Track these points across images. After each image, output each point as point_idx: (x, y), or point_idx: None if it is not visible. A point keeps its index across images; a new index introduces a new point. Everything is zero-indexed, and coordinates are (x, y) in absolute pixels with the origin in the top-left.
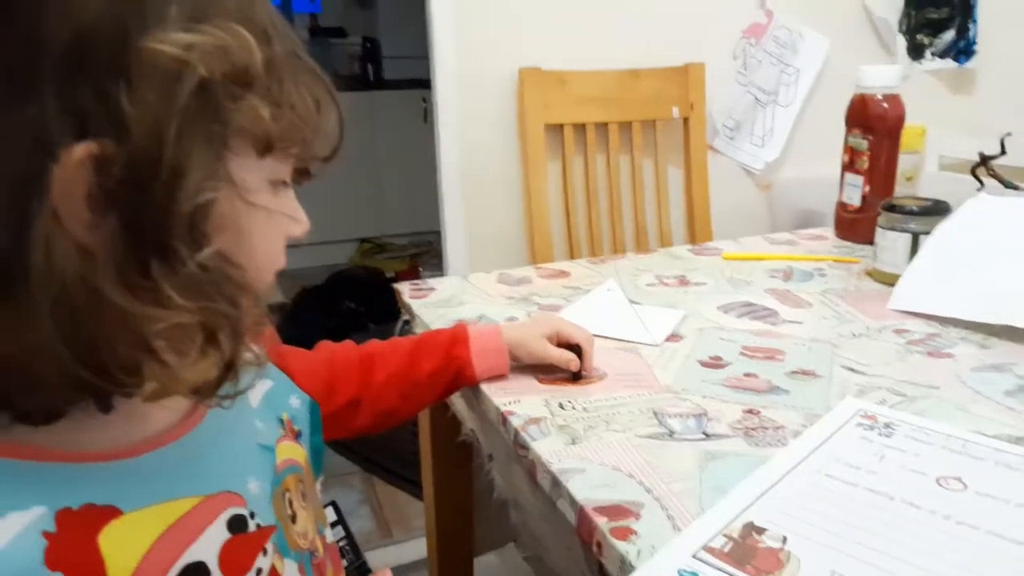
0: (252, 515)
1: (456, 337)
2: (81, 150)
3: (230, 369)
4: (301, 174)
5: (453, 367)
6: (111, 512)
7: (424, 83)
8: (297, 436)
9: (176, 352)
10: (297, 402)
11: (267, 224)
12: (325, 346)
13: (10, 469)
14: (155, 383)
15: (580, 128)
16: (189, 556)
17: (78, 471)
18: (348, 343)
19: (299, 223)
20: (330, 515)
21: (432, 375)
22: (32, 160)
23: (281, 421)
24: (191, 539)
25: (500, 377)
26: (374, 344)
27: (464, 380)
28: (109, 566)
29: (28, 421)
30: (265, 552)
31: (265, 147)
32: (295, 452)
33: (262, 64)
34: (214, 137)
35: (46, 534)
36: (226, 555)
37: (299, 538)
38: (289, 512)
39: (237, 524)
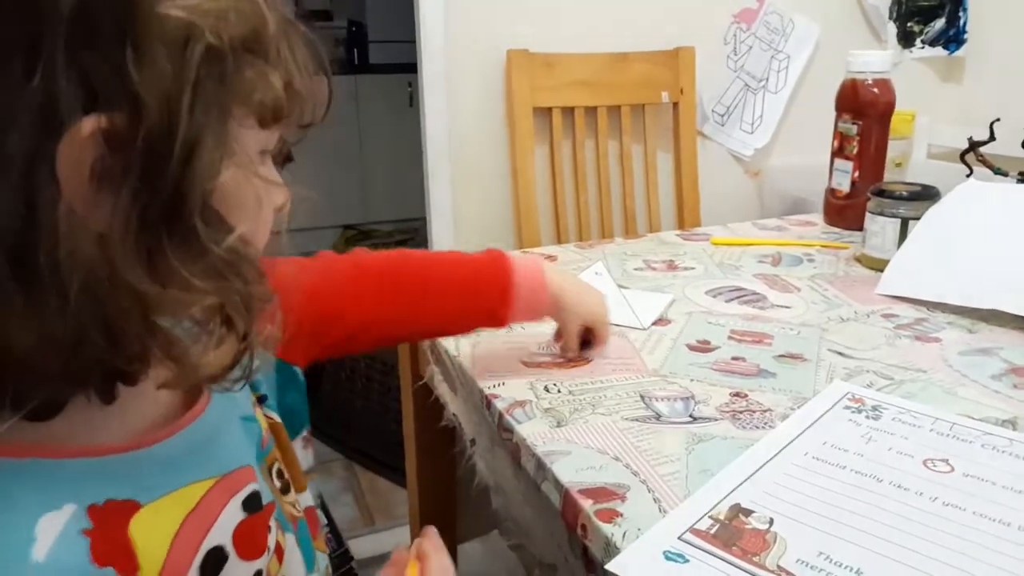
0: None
1: (500, 294)
2: (90, 124)
3: (245, 352)
4: (282, 140)
5: (486, 322)
6: (132, 506)
7: (410, 67)
8: (261, 402)
9: (193, 337)
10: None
11: (265, 195)
12: (324, 260)
13: (32, 468)
14: (169, 371)
15: (568, 112)
16: (210, 541)
17: (96, 465)
18: (376, 256)
19: (283, 190)
20: (311, 503)
21: (462, 326)
22: (39, 137)
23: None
24: (209, 523)
25: None
26: (404, 259)
27: (491, 328)
28: (141, 559)
29: (31, 416)
30: (270, 529)
31: (274, 117)
32: (263, 421)
33: (274, 28)
34: (224, 107)
35: (86, 531)
36: (240, 536)
37: (292, 509)
38: (279, 484)
39: (252, 502)
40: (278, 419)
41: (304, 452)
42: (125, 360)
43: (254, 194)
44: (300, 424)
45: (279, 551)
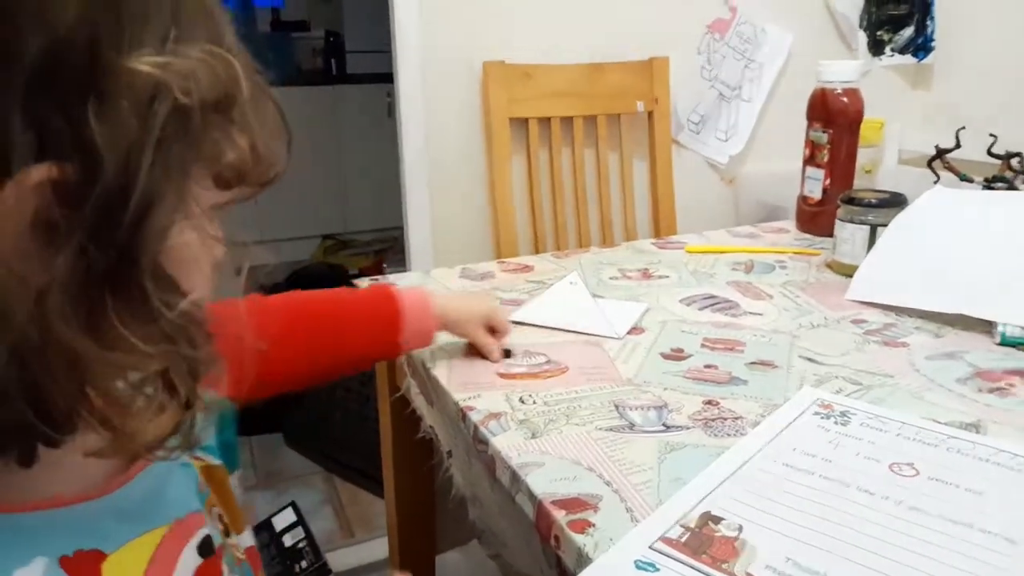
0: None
1: (390, 322)
2: (39, 172)
3: (186, 419)
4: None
5: (380, 351)
6: (98, 556)
7: (388, 77)
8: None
9: (130, 403)
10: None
11: (212, 254)
12: (250, 303)
13: None
14: (101, 439)
15: (545, 122)
16: None
17: (58, 517)
18: (274, 298)
19: (222, 244)
20: (290, 516)
21: (358, 359)
22: None
23: None
24: (170, 570)
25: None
26: (296, 301)
27: (385, 359)
28: None
29: None
30: (223, 573)
31: (236, 179)
32: (197, 464)
33: (247, 92)
34: (186, 167)
35: None
36: None
37: (235, 551)
38: (221, 527)
39: (206, 547)
40: (215, 461)
41: (239, 491)
42: (50, 426)
43: (206, 254)
44: (234, 462)
45: None
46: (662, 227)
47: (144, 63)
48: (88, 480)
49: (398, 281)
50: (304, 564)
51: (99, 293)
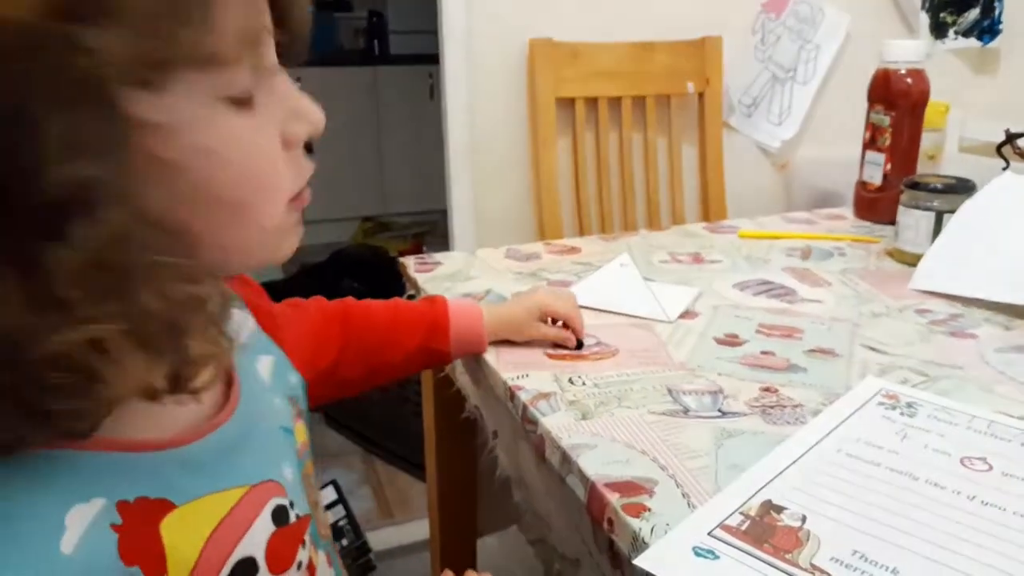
0: (292, 504)
1: (436, 325)
2: None
3: (177, 379)
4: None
5: (428, 356)
6: (165, 505)
7: (430, 58)
8: (301, 416)
9: (90, 371)
10: (295, 379)
11: (236, 145)
12: (314, 304)
13: (64, 459)
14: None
15: (592, 102)
16: (241, 551)
17: (131, 461)
18: (332, 302)
19: (303, 117)
20: (331, 494)
21: (407, 359)
22: None
23: (288, 400)
24: (241, 533)
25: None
26: (348, 305)
27: (435, 365)
28: (170, 560)
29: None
30: (304, 544)
31: (159, 71)
32: (303, 434)
33: None
34: (75, 92)
35: (114, 527)
36: (272, 549)
37: (322, 527)
38: (313, 499)
39: (280, 516)
40: (307, 437)
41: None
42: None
43: (201, 159)
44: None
45: (311, 568)
46: (711, 212)
47: None
48: (158, 429)
49: (443, 260)
50: (345, 543)
51: (25, 251)
